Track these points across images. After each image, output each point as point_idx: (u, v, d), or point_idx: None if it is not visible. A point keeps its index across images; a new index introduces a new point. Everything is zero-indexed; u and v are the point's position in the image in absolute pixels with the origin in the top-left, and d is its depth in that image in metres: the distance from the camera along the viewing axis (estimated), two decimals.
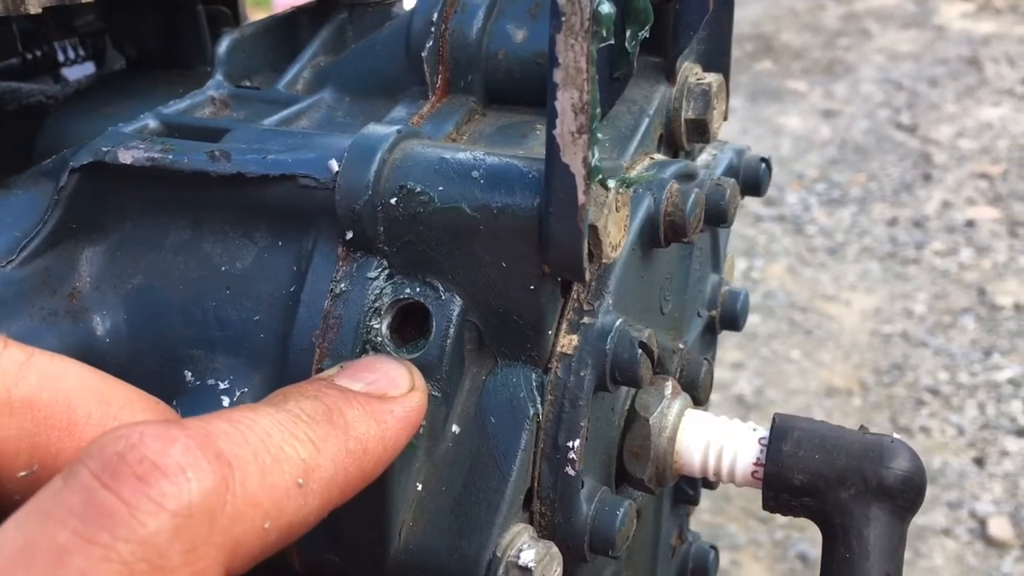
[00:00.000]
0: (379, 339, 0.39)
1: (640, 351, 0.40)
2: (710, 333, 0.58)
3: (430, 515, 0.39)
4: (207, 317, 0.42)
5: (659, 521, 0.54)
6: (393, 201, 0.38)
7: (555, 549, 0.39)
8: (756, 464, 0.43)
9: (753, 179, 0.54)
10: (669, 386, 0.45)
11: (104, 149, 0.42)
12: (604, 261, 0.37)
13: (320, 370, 0.39)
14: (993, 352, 2.18)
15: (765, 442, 0.43)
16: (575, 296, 0.41)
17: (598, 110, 0.34)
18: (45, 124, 0.52)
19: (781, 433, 0.42)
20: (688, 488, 0.56)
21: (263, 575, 0.32)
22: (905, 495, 0.40)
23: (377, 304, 0.39)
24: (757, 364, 2.18)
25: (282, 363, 0.40)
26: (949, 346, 2.22)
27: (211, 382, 0.41)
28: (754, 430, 0.44)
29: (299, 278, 0.41)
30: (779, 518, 1.78)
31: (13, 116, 0.56)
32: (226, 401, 0.41)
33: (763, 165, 0.54)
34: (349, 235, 0.39)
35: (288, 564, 0.41)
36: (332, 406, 0.33)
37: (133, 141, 0.42)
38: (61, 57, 0.71)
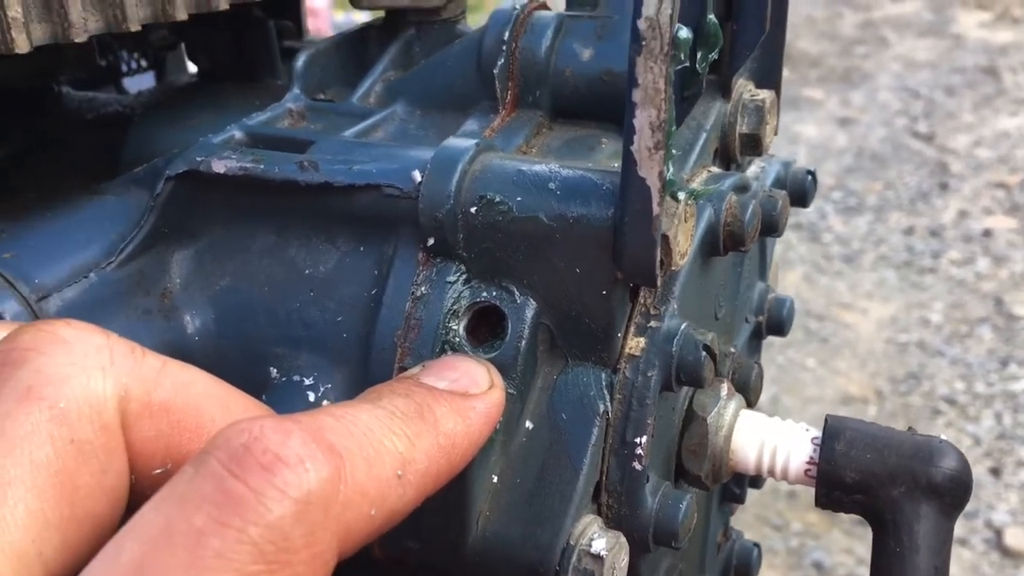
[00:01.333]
0: (457, 339, 0.41)
1: (704, 353, 0.42)
2: (756, 338, 0.60)
3: (506, 505, 0.41)
4: (291, 317, 0.45)
5: (708, 518, 0.56)
6: (473, 210, 0.41)
7: (623, 539, 0.41)
8: (809, 463, 0.45)
9: (800, 191, 0.56)
10: (725, 388, 0.47)
11: (198, 159, 0.44)
12: (672, 268, 0.39)
13: (402, 368, 0.41)
14: (1010, 362, 2.19)
15: (818, 442, 0.45)
16: (642, 301, 0.43)
17: (673, 127, 0.36)
18: (130, 134, 0.54)
19: (834, 433, 0.44)
20: (735, 487, 0.59)
21: (345, 563, 0.34)
22: (953, 493, 0.42)
23: (455, 307, 0.42)
24: (773, 372, 2.19)
25: (364, 361, 0.43)
26: (966, 356, 2.23)
27: (296, 378, 0.44)
28: (807, 430, 0.46)
29: (380, 281, 0.43)
30: (793, 526, 1.80)
31: (92, 125, 0.59)
32: (311, 396, 0.43)
33: (809, 177, 0.56)
34: (430, 241, 0.42)
35: (369, 552, 0.44)
36: (422, 403, 0.35)
37: (224, 152, 0.45)
38: (124, 68, 0.74)
